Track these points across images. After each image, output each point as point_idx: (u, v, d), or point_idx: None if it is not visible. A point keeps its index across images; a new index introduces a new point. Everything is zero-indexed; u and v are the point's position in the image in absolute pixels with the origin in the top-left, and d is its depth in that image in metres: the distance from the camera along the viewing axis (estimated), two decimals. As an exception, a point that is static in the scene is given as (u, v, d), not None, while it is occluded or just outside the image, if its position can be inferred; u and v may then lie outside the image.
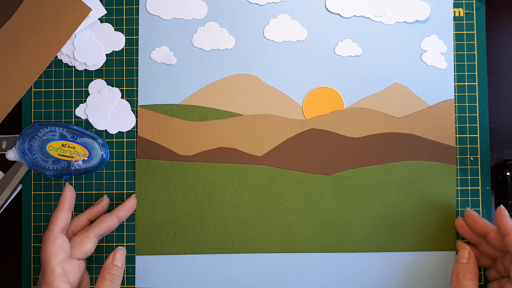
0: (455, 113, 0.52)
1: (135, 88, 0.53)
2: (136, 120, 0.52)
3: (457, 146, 0.52)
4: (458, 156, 0.52)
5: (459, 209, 0.52)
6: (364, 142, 0.52)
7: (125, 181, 0.53)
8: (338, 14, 0.52)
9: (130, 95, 0.53)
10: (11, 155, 0.51)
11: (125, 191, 0.52)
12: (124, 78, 0.53)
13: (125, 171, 0.53)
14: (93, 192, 0.53)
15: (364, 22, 0.52)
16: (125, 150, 0.53)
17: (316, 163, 0.52)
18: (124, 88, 0.53)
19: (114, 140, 0.53)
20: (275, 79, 0.52)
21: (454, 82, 0.52)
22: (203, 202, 0.52)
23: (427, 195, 0.52)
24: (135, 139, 0.53)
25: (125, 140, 0.53)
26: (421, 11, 0.52)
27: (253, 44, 0.52)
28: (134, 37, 0.53)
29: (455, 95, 0.52)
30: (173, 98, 0.52)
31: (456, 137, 0.52)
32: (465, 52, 0.52)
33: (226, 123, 0.52)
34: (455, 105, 0.52)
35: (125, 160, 0.53)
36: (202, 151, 0.52)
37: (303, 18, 0.52)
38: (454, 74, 0.52)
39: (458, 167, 0.52)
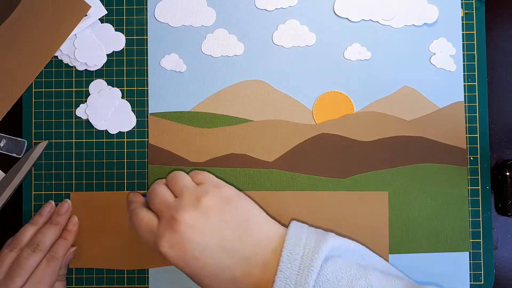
0: (466, 113, 0.52)
1: (135, 88, 0.53)
2: (142, 124, 0.52)
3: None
4: (458, 156, 0.53)
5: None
6: (375, 146, 0.52)
7: (125, 181, 0.53)
8: (347, 18, 0.52)
9: (131, 95, 0.53)
10: None
11: (125, 191, 0.52)
12: (125, 78, 0.53)
13: (125, 171, 0.53)
14: (93, 192, 0.53)
15: (373, 26, 0.52)
16: (125, 150, 0.53)
17: (328, 167, 0.52)
18: (125, 89, 0.53)
19: (115, 140, 0.53)
20: (285, 85, 0.52)
21: (464, 83, 0.52)
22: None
23: (439, 197, 0.52)
24: (135, 139, 0.53)
25: (125, 140, 0.53)
26: (429, 14, 0.52)
27: (262, 50, 0.52)
28: (135, 37, 0.53)
29: (465, 96, 0.52)
30: (183, 105, 0.52)
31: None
32: (465, 52, 0.53)
33: (237, 129, 0.52)
34: (465, 105, 0.52)
35: (125, 160, 0.53)
36: (213, 157, 0.52)
37: (312, 23, 0.52)
38: (464, 75, 0.52)
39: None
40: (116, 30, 0.53)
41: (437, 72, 0.52)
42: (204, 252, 0.39)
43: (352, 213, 0.51)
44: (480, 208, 0.52)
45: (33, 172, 0.53)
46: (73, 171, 0.53)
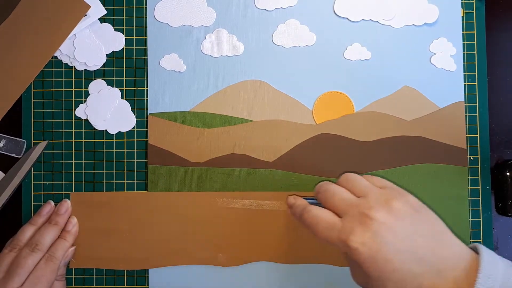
0: (466, 113, 0.52)
1: (135, 88, 0.53)
2: (142, 124, 0.52)
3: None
4: (458, 156, 0.52)
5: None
6: (375, 146, 0.52)
7: (125, 181, 0.52)
8: (347, 18, 0.52)
9: (130, 95, 0.53)
10: None
11: (125, 190, 0.52)
12: (124, 78, 0.53)
13: (125, 171, 0.52)
14: (93, 192, 0.53)
15: (373, 26, 0.52)
16: (125, 150, 0.52)
17: (328, 167, 0.52)
18: (124, 89, 0.53)
19: (114, 140, 0.53)
20: (285, 85, 0.52)
21: (464, 83, 0.52)
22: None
23: (439, 197, 0.52)
24: (135, 139, 0.53)
25: (125, 140, 0.53)
26: (430, 14, 0.52)
27: (262, 50, 0.52)
28: (135, 37, 0.53)
29: (465, 96, 0.52)
30: (183, 106, 0.52)
31: (456, 137, 0.53)
32: (465, 52, 0.52)
33: (237, 129, 0.52)
34: (466, 105, 0.52)
35: (125, 161, 0.52)
36: (213, 157, 0.52)
37: (312, 23, 0.52)
38: (465, 75, 0.52)
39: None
40: (115, 30, 0.53)
41: (437, 72, 0.52)
42: (396, 255, 0.38)
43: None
44: (480, 208, 0.52)
45: (32, 172, 0.53)
46: (73, 171, 0.52)
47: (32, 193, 0.53)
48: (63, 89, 0.53)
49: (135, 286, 0.52)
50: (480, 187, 0.52)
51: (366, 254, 0.38)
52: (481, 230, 0.52)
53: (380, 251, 0.38)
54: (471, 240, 0.52)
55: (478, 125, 0.52)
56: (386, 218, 0.39)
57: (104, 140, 0.53)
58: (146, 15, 0.53)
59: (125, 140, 0.53)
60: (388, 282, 0.38)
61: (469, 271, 0.38)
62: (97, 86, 0.53)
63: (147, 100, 0.52)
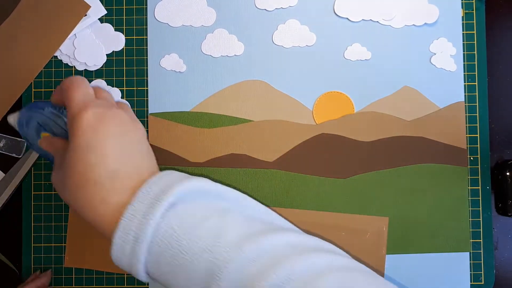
0: (466, 113, 0.52)
1: (135, 88, 0.53)
2: (143, 124, 0.52)
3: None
4: (459, 157, 0.52)
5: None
6: (375, 146, 0.52)
7: (125, 181, 0.52)
8: (347, 18, 0.52)
9: (130, 95, 0.53)
10: (11, 119, 0.46)
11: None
12: (124, 78, 0.53)
13: (125, 171, 0.52)
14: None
15: (373, 26, 0.52)
16: (125, 150, 0.52)
17: (328, 167, 0.52)
18: (124, 89, 0.53)
19: (114, 140, 0.53)
20: (285, 85, 0.52)
21: (464, 83, 0.52)
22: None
23: (439, 197, 0.52)
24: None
25: (125, 140, 0.53)
26: (430, 14, 0.52)
27: (262, 50, 0.52)
28: (135, 37, 0.53)
29: (465, 96, 0.52)
30: (184, 106, 0.52)
31: (456, 137, 0.53)
32: (465, 52, 0.53)
33: (237, 129, 0.52)
34: (466, 105, 0.52)
35: (125, 160, 0.52)
36: (214, 157, 0.52)
37: (312, 23, 0.52)
38: (465, 75, 0.52)
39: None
40: (115, 30, 0.53)
41: (438, 72, 0.52)
42: None
43: (350, 236, 0.51)
44: (481, 208, 0.52)
45: (32, 172, 0.53)
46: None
47: (32, 193, 0.53)
48: (63, 89, 0.53)
49: (135, 286, 0.52)
50: (480, 187, 0.52)
51: None
52: (481, 230, 0.52)
53: None
54: (471, 241, 0.52)
55: (478, 125, 0.52)
56: None
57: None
58: (146, 15, 0.53)
59: (125, 140, 0.53)
60: None
61: None
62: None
63: (147, 100, 0.53)
